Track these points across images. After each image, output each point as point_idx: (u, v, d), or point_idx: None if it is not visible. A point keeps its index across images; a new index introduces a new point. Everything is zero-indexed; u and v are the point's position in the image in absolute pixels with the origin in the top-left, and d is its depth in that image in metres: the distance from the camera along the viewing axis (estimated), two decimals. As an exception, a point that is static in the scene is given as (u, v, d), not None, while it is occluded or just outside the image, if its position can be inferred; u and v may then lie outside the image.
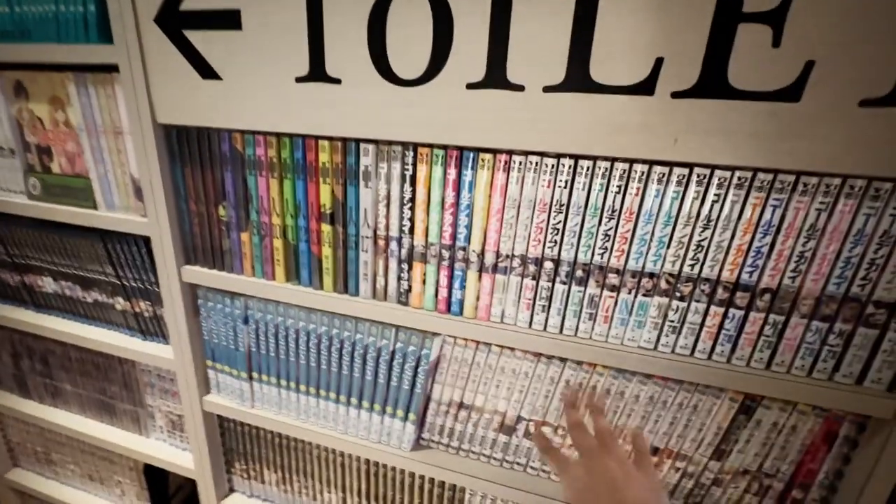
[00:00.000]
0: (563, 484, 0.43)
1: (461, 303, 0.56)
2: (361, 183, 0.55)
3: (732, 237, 0.44)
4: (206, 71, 0.55)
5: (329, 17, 0.48)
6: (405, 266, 0.57)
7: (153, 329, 0.79)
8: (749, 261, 0.44)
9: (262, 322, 0.68)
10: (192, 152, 0.62)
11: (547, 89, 0.44)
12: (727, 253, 0.45)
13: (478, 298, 0.55)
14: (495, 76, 0.45)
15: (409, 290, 0.58)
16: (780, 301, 0.45)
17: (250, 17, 0.51)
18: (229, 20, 0.52)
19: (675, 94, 0.41)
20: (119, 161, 0.67)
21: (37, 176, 0.74)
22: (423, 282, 0.57)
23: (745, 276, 0.45)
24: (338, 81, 0.51)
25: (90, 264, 0.77)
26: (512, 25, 0.43)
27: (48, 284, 0.84)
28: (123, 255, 0.73)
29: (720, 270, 0.45)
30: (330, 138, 0.54)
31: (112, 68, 0.61)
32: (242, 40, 0.52)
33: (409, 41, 0.47)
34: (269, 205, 0.60)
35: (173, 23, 0.55)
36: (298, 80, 0.52)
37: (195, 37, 0.54)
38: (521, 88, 0.45)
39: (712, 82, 0.40)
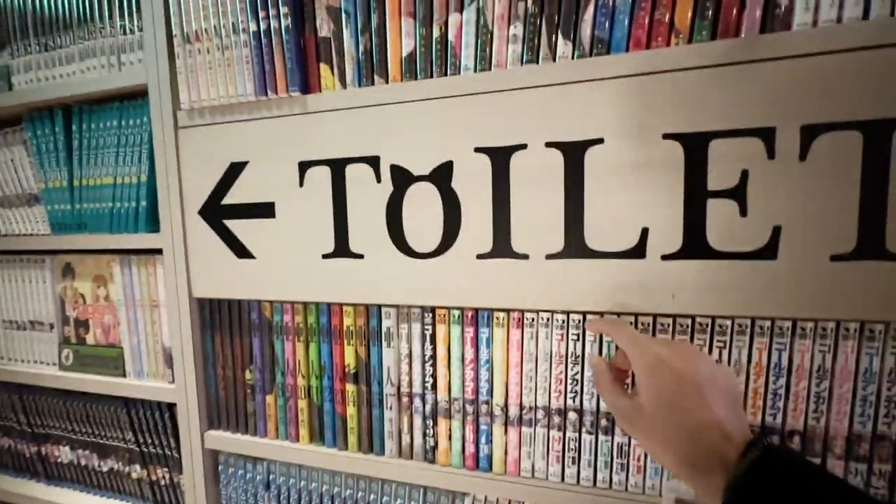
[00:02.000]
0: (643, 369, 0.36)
1: (489, 458, 0.55)
2: (384, 343, 0.58)
3: (747, 380, 0.46)
4: (242, 252, 0.62)
5: (352, 205, 0.56)
6: (430, 422, 0.57)
7: (168, 499, 0.75)
8: (769, 403, 0.45)
9: (285, 487, 0.65)
10: (222, 321, 0.66)
11: (549, 256, 0.49)
12: (745, 396, 0.46)
13: (506, 452, 0.55)
14: (501, 247, 0.51)
15: (436, 446, 0.57)
16: (810, 442, 0.45)
17: (283, 207, 0.59)
18: (265, 210, 0.60)
19: (665, 257, 0.46)
20: (153, 331, 0.71)
21: (71, 347, 0.78)
22: (450, 437, 0.57)
23: (768, 419, 0.46)
24: (360, 257, 0.57)
25: (111, 431, 0.77)
26: (512, 206, 0.50)
27: (65, 454, 0.82)
28: (146, 421, 0.74)
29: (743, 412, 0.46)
30: (353, 305, 0.59)
31: (156, 251, 0.68)
32: (276, 226, 0.60)
33: (423, 221, 0.53)
34: (294, 367, 0.63)
35: (215, 214, 0.63)
36: (325, 256, 0.58)
37: (233, 224, 0.62)
38: (525, 257, 0.50)
39: (695, 246, 0.45)
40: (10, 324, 0.82)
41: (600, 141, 0.46)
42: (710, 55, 0.43)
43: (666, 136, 0.44)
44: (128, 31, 0.66)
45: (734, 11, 0.42)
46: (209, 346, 0.67)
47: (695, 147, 0.44)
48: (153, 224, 0.68)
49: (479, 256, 0.52)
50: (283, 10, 0.55)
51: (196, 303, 0.67)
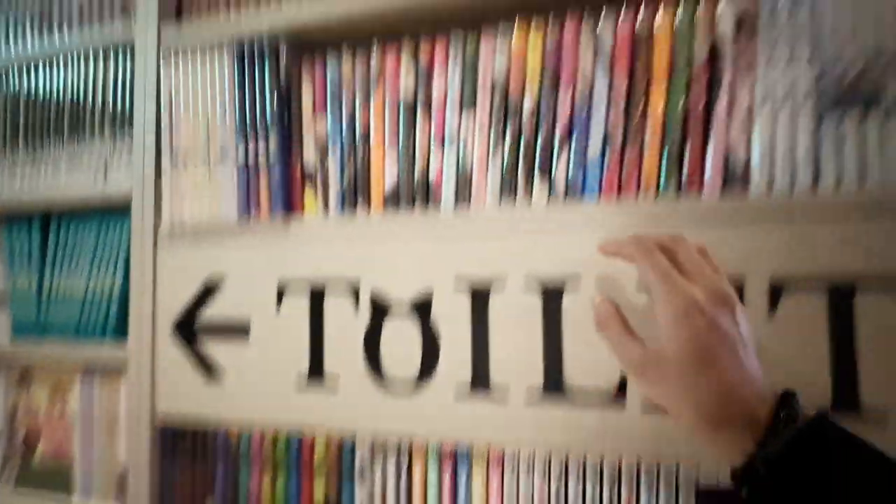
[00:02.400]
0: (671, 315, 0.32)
1: None
2: (356, 478, 0.54)
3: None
4: (211, 372, 0.59)
5: (329, 331, 0.55)
6: (404, 572, 0.52)
7: None
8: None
9: None
10: (185, 445, 0.62)
11: (529, 394, 0.48)
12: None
13: None
14: (480, 383, 0.49)
15: None
16: None
17: (258, 328, 0.58)
18: (239, 331, 0.58)
19: (646, 406, 0.45)
20: (109, 449, 0.66)
21: (15, 462, 0.71)
22: (425, 590, 0.51)
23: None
24: (335, 384, 0.54)
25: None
26: (491, 342, 0.49)
27: (-10, 590, 0.73)
28: (89, 555, 0.66)
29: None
30: (326, 435, 0.55)
31: (122, 367, 0.65)
32: (249, 347, 0.58)
33: (401, 352, 0.52)
34: (258, 501, 0.58)
35: (187, 331, 0.61)
36: (299, 381, 0.56)
37: (205, 343, 0.60)
38: (505, 393, 0.49)
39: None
40: (-48, 435, 0.76)
41: (577, 284, 0.47)
42: (676, 209, 0.45)
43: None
44: (118, 144, 0.67)
45: (697, 167, 0.45)
46: (168, 471, 0.62)
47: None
48: (122, 333, 0.65)
49: (458, 391, 0.50)
50: (272, 137, 0.57)
51: (159, 423, 0.62)
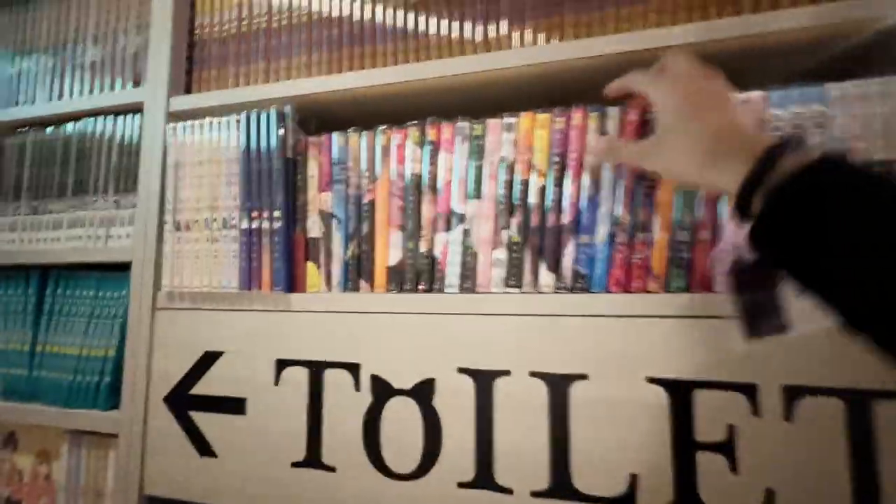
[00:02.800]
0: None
1: None
2: (351, 570, 0.52)
3: None
4: (204, 449, 0.57)
5: (328, 412, 0.53)
6: None
7: None
8: None
9: None
10: (173, 523, 0.59)
11: (534, 494, 0.46)
12: None
13: None
14: (484, 478, 0.48)
15: None
16: None
17: (255, 405, 0.56)
18: (235, 406, 0.57)
19: (657, 509, 0.43)
20: (92, 526, 0.63)
21: (-5, 532, 0.68)
22: None
23: None
24: (332, 469, 0.52)
25: None
26: (495, 433, 0.48)
27: None
28: None
29: None
30: (321, 520, 0.53)
31: (112, 435, 0.63)
32: (245, 424, 0.56)
33: (402, 439, 0.50)
34: (248, 588, 0.55)
35: (181, 403, 0.59)
36: (294, 464, 0.54)
37: (199, 417, 0.58)
38: (509, 492, 0.47)
39: (688, 501, 0.42)
40: (-70, 498, 0.73)
41: (584, 377, 0.46)
42: (685, 306, 0.44)
43: (650, 380, 0.44)
44: (121, 206, 0.67)
45: (706, 264, 0.45)
46: (153, 550, 0.60)
47: (679, 394, 0.43)
48: (114, 401, 0.63)
49: (461, 485, 0.48)
50: (276, 213, 0.57)
51: (145, 501, 0.60)
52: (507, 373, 0.48)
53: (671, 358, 0.44)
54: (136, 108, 0.67)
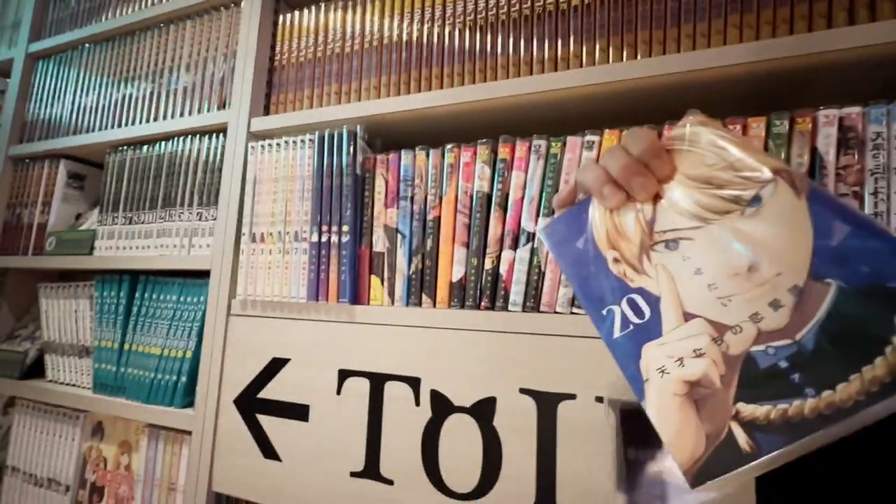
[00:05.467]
0: None
1: None
2: (406, 587, 0.51)
3: None
4: (269, 451, 0.60)
5: (387, 425, 0.54)
6: None
7: None
8: None
9: None
10: (237, 522, 0.62)
11: (600, 527, 0.44)
12: None
13: None
14: (546, 505, 0.46)
15: None
16: None
17: (318, 413, 0.58)
18: (299, 413, 0.59)
19: (739, 557, 0.40)
20: (164, 517, 0.67)
21: (80, 514, 0.75)
22: None
23: None
24: (390, 483, 0.53)
25: None
26: (559, 459, 0.46)
27: None
28: None
29: None
30: (377, 531, 0.54)
31: (186, 432, 0.67)
32: (307, 431, 0.58)
33: (461, 457, 0.50)
34: None
35: (249, 406, 0.62)
36: (353, 474, 0.55)
37: (265, 421, 0.61)
38: (573, 522, 0.45)
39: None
40: (29, 477, 0.81)
41: (657, 406, 0.43)
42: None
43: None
44: (204, 218, 0.72)
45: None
46: (218, 546, 0.62)
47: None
48: (189, 400, 0.68)
49: (521, 510, 0.47)
50: (345, 227, 0.60)
51: (213, 497, 0.63)
52: (571, 396, 0.47)
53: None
54: (221, 129, 0.73)
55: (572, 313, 0.48)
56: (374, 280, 0.59)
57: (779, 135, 0.44)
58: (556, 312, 0.49)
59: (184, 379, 0.69)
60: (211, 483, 0.63)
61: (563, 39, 0.55)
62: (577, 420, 0.46)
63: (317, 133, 0.63)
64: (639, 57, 0.51)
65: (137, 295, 0.76)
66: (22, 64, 0.99)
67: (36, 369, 0.87)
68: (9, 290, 0.96)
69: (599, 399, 0.45)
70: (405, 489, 0.52)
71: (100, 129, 0.87)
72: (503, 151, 0.54)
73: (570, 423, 0.46)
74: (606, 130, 0.50)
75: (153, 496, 0.69)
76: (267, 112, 0.72)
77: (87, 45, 0.92)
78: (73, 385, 0.81)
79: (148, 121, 0.82)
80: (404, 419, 0.53)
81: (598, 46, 0.53)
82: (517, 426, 0.48)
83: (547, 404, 0.47)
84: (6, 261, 0.91)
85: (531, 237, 0.51)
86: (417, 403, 0.53)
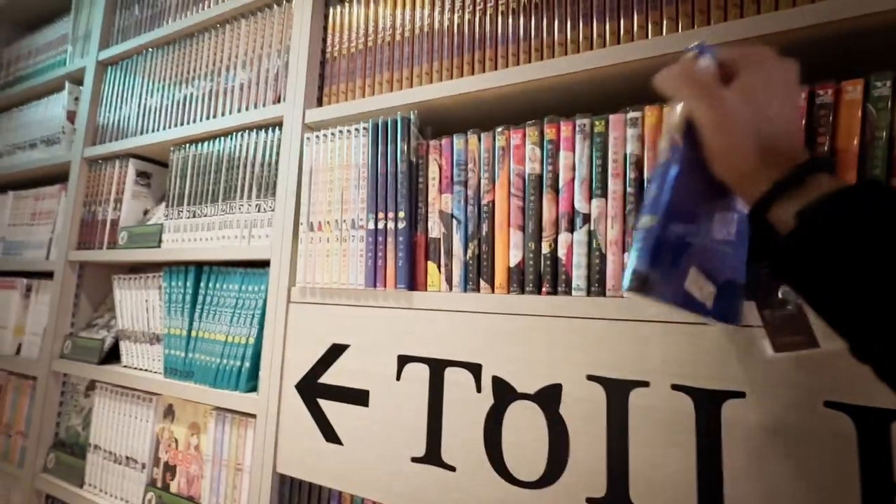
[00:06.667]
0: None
1: None
2: (470, 573, 0.51)
3: None
4: (330, 435, 0.61)
5: (448, 411, 0.54)
6: None
7: None
8: None
9: None
10: (301, 500, 0.64)
11: (678, 521, 0.42)
12: None
13: None
14: (618, 498, 0.44)
15: None
16: None
17: (377, 398, 0.59)
18: (359, 398, 0.60)
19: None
20: (232, 496, 0.70)
21: (155, 491, 0.79)
22: None
23: None
24: (452, 469, 0.53)
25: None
26: (631, 450, 0.44)
27: None
28: (208, 592, 0.70)
29: None
30: (439, 517, 0.54)
31: (251, 415, 0.70)
32: (368, 416, 0.59)
33: (525, 445, 0.49)
34: (367, 575, 0.57)
35: (310, 391, 0.64)
36: (414, 460, 0.55)
37: (326, 406, 0.62)
38: (647, 515, 0.43)
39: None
40: (109, 455, 0.87)
41: (740, 395, 0.41)
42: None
43: (828, 405, 0.38)
44: (262, 209, 0.75)
45: None
46: (283, 525, 0.65)
47: (872, 425, 0.36)
48: (253, 385, 0.71)
49: (590, 501, 0.45)
50: (401, 213, 0.60)
51: (278, 478, 0.65)
52: (644, 384, 0.44)
53: (861, 383, 0.37)
54: (277, 123, 0.75)
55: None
56: (431, 266, 0.58)
57: (880, 98, 0.40)
58: (622, 297, 0.47)
59: (248, 364, 0.72)
60: (276, 465, 0.65)
61: (611, 15, 0.52)
62: (651, 409, 0.44)
63: (370, 121, 0.64)
64: (695, 27, 0.48)
65: (202, 285, 0.80)
66: (94, 72, 1.06)
67: (113, 355, 0.93)
68: (87, 283, 1.03)
69: (677, 388, 0.43)
70: (468, 476, 0.52)
71: (163, 128, 0.92)
72: (550, 132, 0.53)
73: (643, 412, 0.44)
74: (647, 107, 0.47)
75: (221, 475, 0.72)
76: (320, 104, 0.73)
77: (150, 49, 0.98)
78: (146, 370, 0.87)
79: (207, 118, 0.85)
80: (465, 405, 0.53)
81: (635, 23, 0.50)
82: (585, 414, 0.47)
83: (617, 392, 0.45)
84: (84, 255, 0.98)
85: (587, 219, 0.49)
86: (479, 390, 0.52)
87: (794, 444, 0.38)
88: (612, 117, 0.50)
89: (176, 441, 0.80)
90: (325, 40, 0.75)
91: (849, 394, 0.37)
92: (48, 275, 1.03)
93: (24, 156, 1.20)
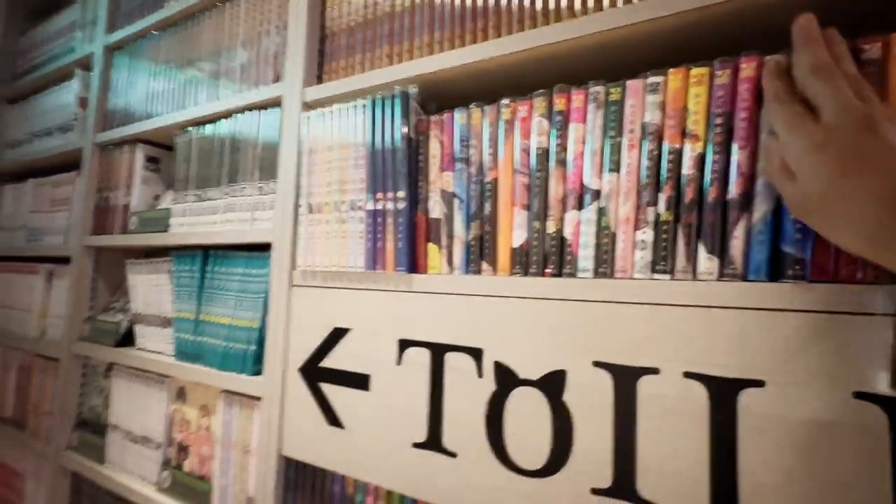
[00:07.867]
0: (801, 150, 0.31)
1: None
2: (471, 561, 0.50)
3: None
4: (333, 419, 0.61)
5: (449, 396, 0.52)
6: None
7: None
8: None
9: None
10: (305, 485, 0.64)
11: (688, 515, 0.39)
12: None
13: None
14: (624, 489, 0.42)
15: None
16: None
17: (378, 382, 0.57)
18: (360, 382, 0.59)
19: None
20: (240, 477, 0.71)
21: (171, 470, 0.81)
22: None
23: None
24: (453, 455, 0.51)
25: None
26: (639, 441, 0.42)
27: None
28: (220, 568, 0.72)
29: None
30: (441, 504, 0.53)
31: (257, 398, 0.70)
32: (369, 400, 0.58)
33: (528, 432, 0.47)
34: (370, 558, 0.57)
35: (313, 375, 0.63)
36: (415, 445, 0.54)
37: (328, 389, 0.61)
38: (655, 508, 0.41)
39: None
40: (127, 434, 0.89)
41: (759, 383, 0.38)
42: (920, 302, 0.33)
43: (859, 396, 0.34)
44: (264, 192, 0.74)
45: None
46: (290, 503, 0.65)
47: (903, 417, 0.33)
48: (258, 368, 0.71)
49: (595, 491, 0.43)
50: (400, 193, 0.57)
51: (283, 460, 0.66)
52: (654, 371, 0.42)
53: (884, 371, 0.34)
54: (277, 102, 0.73)
55: (652, 278, 0.43)
56: (432, 247, 0.56)
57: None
58: (632, 278, 0.44)
59: (253, 347, 0.72)
60: (280, 447, 0.65)
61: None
62: (661, 397, 0.41)
63: (368, 97, 0.61)
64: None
65: (208, 269, 0.80)
66: (101, 57, 1.06)
67: (128, 338, 0.95)
68: (103, 267, 1.05)
69: (689, 375, 0.40)
70: (469, 462, 0.50)
71: (169, 112, 0.91)
72: (559, 103, 0.49)
73: (653, 400, 0.42)
74: (671, 70, 0.43)
75: (230, 457, 0.73)
76: (320, 81, 0.71)
77: (154, 32, 0.97)
78: (159, 353, 0.88)
79: (209, 100, 0.84)
80: (467, 391, 0.51)
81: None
82: (591, 402, 0.44)
83: (625, 379, 0.43)
84: (99, 240, 1.00)
85: (596, 195, 0.46)
86: (480, 375, 0.50)
87: (817, 437, 0.35)
88: (629, 83, 0.45)
89: (188, 422, 0.81)
90: (323, 14, 0.72)
91: (882, 385, 0.34)
92: (67, 260, 1.05)
93: (42, 143, 1.23)
